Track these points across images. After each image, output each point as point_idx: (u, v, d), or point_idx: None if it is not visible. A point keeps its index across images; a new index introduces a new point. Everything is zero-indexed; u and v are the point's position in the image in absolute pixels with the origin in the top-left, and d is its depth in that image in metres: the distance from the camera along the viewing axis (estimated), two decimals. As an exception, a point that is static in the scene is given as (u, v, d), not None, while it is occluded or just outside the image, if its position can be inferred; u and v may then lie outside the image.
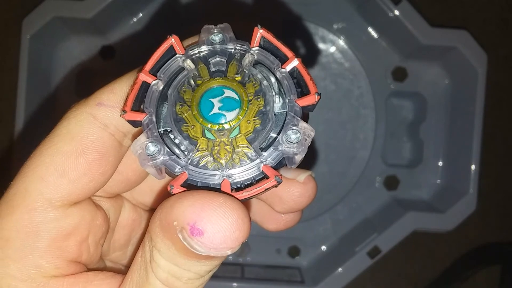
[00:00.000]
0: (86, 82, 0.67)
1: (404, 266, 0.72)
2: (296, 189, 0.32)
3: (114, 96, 0.27)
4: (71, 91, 0.67)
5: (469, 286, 0.71)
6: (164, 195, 0.34)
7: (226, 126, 0.25)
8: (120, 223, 0.33)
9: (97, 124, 0.27)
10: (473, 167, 0.63)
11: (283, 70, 0.26)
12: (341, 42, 0.69)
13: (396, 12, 0.62)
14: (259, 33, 0.26)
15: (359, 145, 0.69)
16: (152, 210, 0.35)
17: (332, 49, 0.69)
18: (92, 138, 0.27)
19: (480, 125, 0.63)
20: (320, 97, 0.25)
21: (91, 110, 0.27)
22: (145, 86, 0.26)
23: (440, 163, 0.70)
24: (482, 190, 0.65)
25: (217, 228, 0.22)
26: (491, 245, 0.73)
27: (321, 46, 0.69)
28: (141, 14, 0.67)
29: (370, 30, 0.68)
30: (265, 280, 0.63)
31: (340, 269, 0.62)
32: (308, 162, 0.69)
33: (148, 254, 0.25)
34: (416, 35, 0.62)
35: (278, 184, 0.24)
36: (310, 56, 0.69)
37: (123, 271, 0.32)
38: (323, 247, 0.69)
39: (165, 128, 0.26)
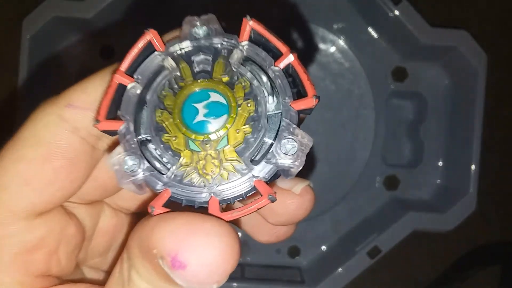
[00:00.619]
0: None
1: (404, 266, 0.72)
2: (291, 202, 0.29)
3: (86, 97, 0.24)
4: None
5: (469, 286, 0.71)
6: (148, 200, 0.32)
7: (213, 136, 0.22)
8: (100, 229, 0.30)
9: (67, 127, 0.24)
10: (473, 167, 0.63)
11: (276, 68, 0.22)
12: (341, 42, 0.69)
13: (396, 12, 0.62)
14: (249, 25, 0.23)
15: (359, 145, 0.69)
16: (135, 214, 0.33)
17: (332, 49, 0.69)
18: (60, 143, 0.24)
19: (480, 125, 0.63)
20: (318, 100, 0.22)
21: (60, 111, 0.24)
22: (121, 88, 0.23)
23: (440, 163, 0.70)
24: (482, 190, 0.65)
25: (202, 261, 0.20)
26: (491, 245, 0.73)
27: (321, 46, 0.69)
28: (141, 14, 0.67)
29: (370, 30, 0.68)
30: (265, 280, 0.63)
31: (340, 269, 0.62)
32: (308, 162, 0.69)
33: (126, 272, 0.22)
34: (416, 35, 0.62)
35: (272, 202, 0.22)
36: (310, 56, 0.69)
37: (102, 279, 0.30)
38: (323, 247, 0.69)
39: (145, 136, 0.23)
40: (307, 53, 0.69)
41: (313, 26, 0.68)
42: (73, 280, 0.27)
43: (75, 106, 0.24)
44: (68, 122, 0.24)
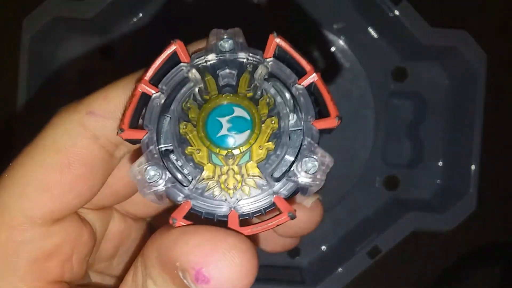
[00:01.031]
0: (86, 82, 0.67)
1: (404, 266, 0.72)
2: (302, 215, 0.29)
3: (107, 105, 0.24)
4: (71, 91, 0.67)
5: (469, 286, 0.71)
6: (161, 209, 0.32)
7: (236, 151, 0.22)
8: (108, 235, 0.30)
9: (87, 135, 0.24)
10: (473, 167, 0.63)
11: (299, 86, 0.23)
12: (341, 42, 0.69)
13: (396, 12, 0.62)
14: (275, 41, 0.23)
15: (359, 145, 0.69)
16: (142, 220, 0.33)
17: (332, 49, 0.69)
18: (81, 151, 0.24)
19: (480, 125, 0.63)
20: (341, 121, 0.22)
21: (81, 118, 0.24)
22: (145, 97, 0.23)
23: (440, 163, 0.70)
24: (482, 190, 0.65)
25: (226, 276, 0.20)
26: (491, 245, 0.73)
27: (321, 46, 0.69)
28: (141, 14, 0.67)
29: (370, 30, 0.68)
30: (265, 280, 0.63)
31: (340, 269, 0.62)
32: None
33: (141, 280, 0.22)
34: (416, 35, 0.62)
35: (292, 220, 0.22)
36: (310, 56, 0.69)
37: (108, 282, 0.31)
38: (323, 247, 0.69)
39: (166, 146, 0.23)
40: (307, 53, 0.69)
41: (313, 26, 0.68)
42: (81, 285, 0.28)
43: (96, 114, 0.24)
44: (89, 130, 0.24)
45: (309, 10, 0.68)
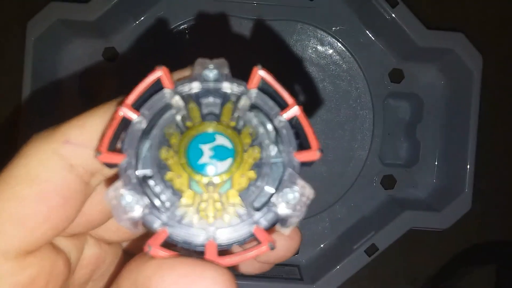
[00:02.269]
0: (89, 84, 0.68)
1: (401, 263, 0.73)
2: (280, 244, 0.27)
3: (84, 133, 0.23)
4: (74, 93, 0.68)
5: (465, 284, 0.72)
6: (136, 235, 0.30)
7: (216, 180, 0.22)
8: (82, 261, 0.28)
9: (63, 164, 0.23)
10: (468, 166, 0.64)
11: (281, 118, 0.22)
12: (339, 44, 0.70)
13: (393, 15, 0.63)
14: (259, 74, 0.23)
15: (356, 145, 0.70)
16: (118, 244, 0.32)
17: (330, 51, 0.70)
18: (56, 182, 0.23)
19: (475, 126, 0.64)
20: (322, 154, 0.22)
21: (56, 147, 0.23)
22: (125, 122, 0.22)
23: (436, 163, 0.71)
24: (479, 189, 0.65)
25: None
26: (487, 244, 0.73)
27: (319, 48, 0.70)
28: (143, 17, 0.68)
29: (368, 32, 0.69)
30: (264, 278, 0.64)
31: (338, 267, 0.63)
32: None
33: None
34: (412, 37, 0.63)
35: (272, 250, 0.21)
36: (309, 58, 0.70)
37: None
38: (322, 245, 0.70)
39: (144, 171, 0.22)
40: (306, 55, 0.70)
41: (311, 28, 0.69)
42: None
43: (72, 142, 0.23)
44: (65, 159, 0.23)
45: (308, 13, 0.69)
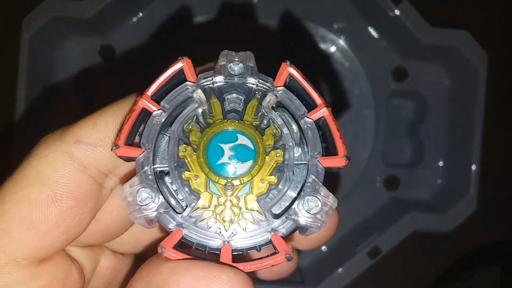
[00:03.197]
0: (85, 82, 0.67)
1: (404, 266, 0.72)
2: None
3: (96, 133, 0.23)
4: (71, 91, 0.67)
5: (469, 286, 0.71)
6: (150, 245, 0.30)
7: (236, 182, 0.21)
8: (98, 272, 0.28)
9: (74, 165, 0.22)
10: (473, 167, 0.63)
11: (308, 120, 0.22)
12: (342, 42, 0.69)
13: (397, 12, 0.61)
14: (287, 70, 0.22)
15: (359, 145, 0.69)
16: (134, 255, 0.31)
17: (333, 49, 0.69)
18: (68, 183, 0.22)
19: (480, 125, 0.63)
20: (349, 161, 0.21)
21: (67, 148, 0.22)
22: (144, 114, 0.22)
23: (441, 163, 0.70)
24: (483, 190, 0.64)
25: None
26: (492, 245, 0.73)
27: (322, 46, 0.69)
28: (140, 14, 0.67)
29: (371, 30, 0.68)
30: (265, 281, 0.63)
31: (340, 269, 0.62)
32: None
33: None
34: (416, 35, 0.62)
35: (288, 261, 0.21)
36: (311, 56, 0.69)
37: None
38: (324, 247, 0.69)
39: (161, 167, 0.22)
40: (308, 53, 0.69)
41: (313, 26, 0.68)
42: None
43: (84, 142, 0.23)
44: (76, 159, 0.22)
45: (309, 10, 0.68)
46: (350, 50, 0.68)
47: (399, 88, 0.69)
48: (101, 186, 0.24)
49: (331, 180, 0.69)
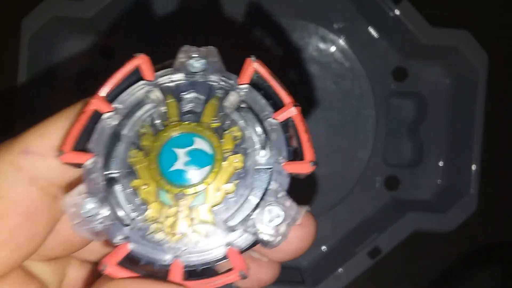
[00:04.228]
0: (85, 82, 0.67)
1: (404, 266, 0.72)
2: (295, 235, 0.24)
3: (45, 141, 0.21)
4: (71, 91, 0.67)
5: (470, 286, 0.71)
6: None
7: (189, 191, 0.19)
8: (66, 286, 0.26)
9: (22, 177, 0.20)
10: (473, 167, 0.63)
11: (274, 121, 0.20)
12: (341, 42, 0.69)
13: (397, 12, 0.61)
14: (252, 66, 0.20)
15: (359, 145, 0.69)
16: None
17: (333, 48, 0.69)
18: (15, 197, 0.20)
19: (481, 125, 0.63)
20: (316, 167, 0.19)
21: (14, 158, 0.20)
22: (97, 117, 0.20)
23: (441, 163, 0.70)
24: (483, 190, 0.64)
25: None
26: (492, 245, 0.73)
27: (321, 45, 0.69)
28: (141, 14, 0.67)
29: (371, 29, 0.68)
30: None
31: (340, 270, 0.62)
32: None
33: None
34: (416, 35, 0.62)
35: (243, 279, 0.19)
36: (311, 56, 0.69)
37: None
38: (323, 247, 0.69)
39: (110, 175, 0.20)
40: (308, 53, 0.69)
41: (313, 26, 0.68)
42: None
43: (32, 152, 0.21)
44: (24, 171, 0.20)
45: (309, 9, 0.68)
46: (350, 50, 0.68)
47: (399, 88, 0.69)
48: (55, 197, 0.22)
49: (331, 180, 0.69)
